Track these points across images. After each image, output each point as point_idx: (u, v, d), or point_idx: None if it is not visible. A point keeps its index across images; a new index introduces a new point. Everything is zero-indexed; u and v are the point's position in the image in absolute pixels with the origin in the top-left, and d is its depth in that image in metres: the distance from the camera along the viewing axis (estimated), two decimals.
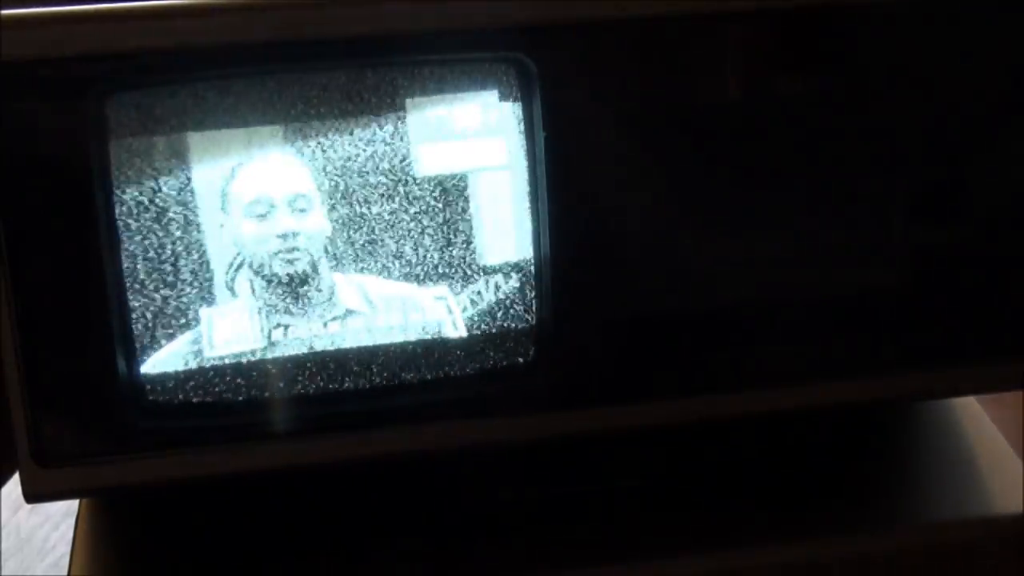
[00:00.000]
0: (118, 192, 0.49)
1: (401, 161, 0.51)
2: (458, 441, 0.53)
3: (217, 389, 0.52)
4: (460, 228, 0.52)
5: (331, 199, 0.51)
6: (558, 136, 0.51)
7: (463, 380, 0.53)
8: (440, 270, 0.52)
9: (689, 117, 0.52)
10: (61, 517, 0.89)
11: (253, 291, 0.51)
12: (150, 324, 0.51)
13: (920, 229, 0.55)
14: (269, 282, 0.51)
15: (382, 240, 0.52)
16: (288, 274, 0.51)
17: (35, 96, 0.48)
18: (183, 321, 0.51)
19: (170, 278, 0.50)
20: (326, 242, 0.51)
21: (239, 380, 0.52)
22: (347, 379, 0.52)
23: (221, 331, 0.51)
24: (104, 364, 0.50)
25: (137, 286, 0.50)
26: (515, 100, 0.51)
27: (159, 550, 0.56)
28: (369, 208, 0.51)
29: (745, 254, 0.54)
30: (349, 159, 0.51)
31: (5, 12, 0.48)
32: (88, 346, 0.50)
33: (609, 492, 0.58)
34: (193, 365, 0.51)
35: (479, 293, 0.53)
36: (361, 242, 0.51)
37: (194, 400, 0.52)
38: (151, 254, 0.50)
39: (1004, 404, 0.67)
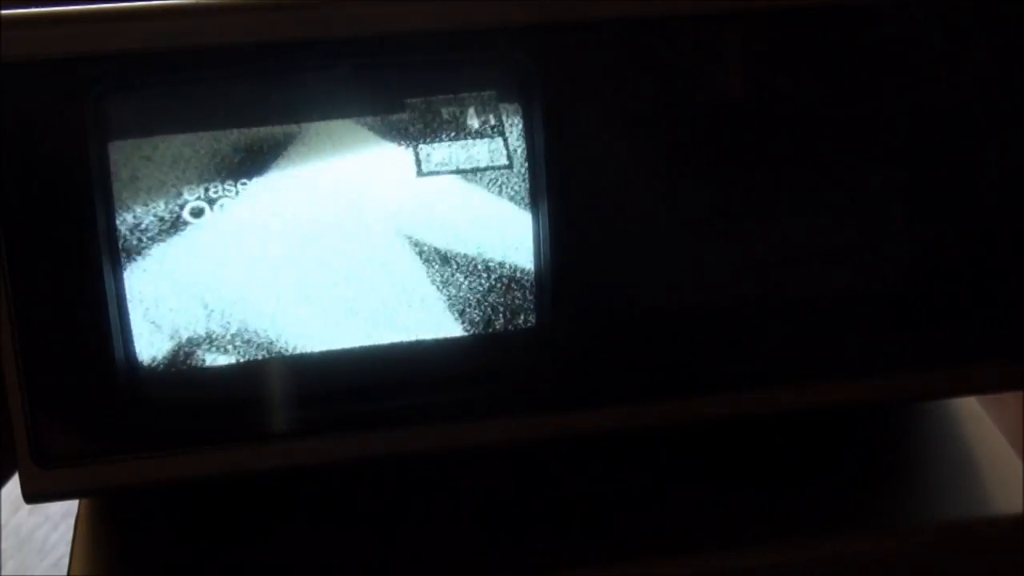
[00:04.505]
0: (118, 192, 0.49)
1: (401, 161, 0.51)
2: (458, 441, 0.54)
3: (217, 389, 0.52)
4: (460, 228, 0.52)
5: (332, 199, 0.51)
6: (558, 136, 0.51)
7: (463, 380, 0.53)
8: (440, 270, 0.52)
9: (689, 117, 0.52)
10: (61, 517, 0.89)
11: (255, 290, 0.51)
12: (150, 324, 0.51)
13: (920, 229, 0.55)
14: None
15: (382, 240, 0.52)
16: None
17: (35, 96, 0.48)
18: (183, 321, 0.51)
19: (170, 278, 0.50)
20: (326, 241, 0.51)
21: (239, 380, 0.52)
22: (348, 379, 0.52)
23: (221, 330, 0.51)
24: (104, 364, 0.50)
25: (137, 286, 0.50)
26: (515, 100, 0.51)
27: (159, 550, 0.56)
28: (368, 208, 0.51)
29: (745, 254, 0.54)
30: (348, 159, 0.51)
31: (5, 12, 0.48)
32: (87, 346, 0.50)
33: (609, 492, 0.58)
34: (193, 365, 0.51)
35: (479, 293, 0.53)
36: (361, 241, 0.51)
37: (194, 400, 0.52)
38: (151, 254, 0.50)
39: (1004, 404, 0.67)
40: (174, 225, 0.50)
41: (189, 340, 0.51)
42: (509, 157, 0.52)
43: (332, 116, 0.50)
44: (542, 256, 0.53)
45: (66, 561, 0.57)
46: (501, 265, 0.53)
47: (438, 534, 0.56)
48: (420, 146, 0.51)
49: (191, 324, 0.51)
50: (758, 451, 0.60)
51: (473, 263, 0.52)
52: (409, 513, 0.57)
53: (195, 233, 0.50)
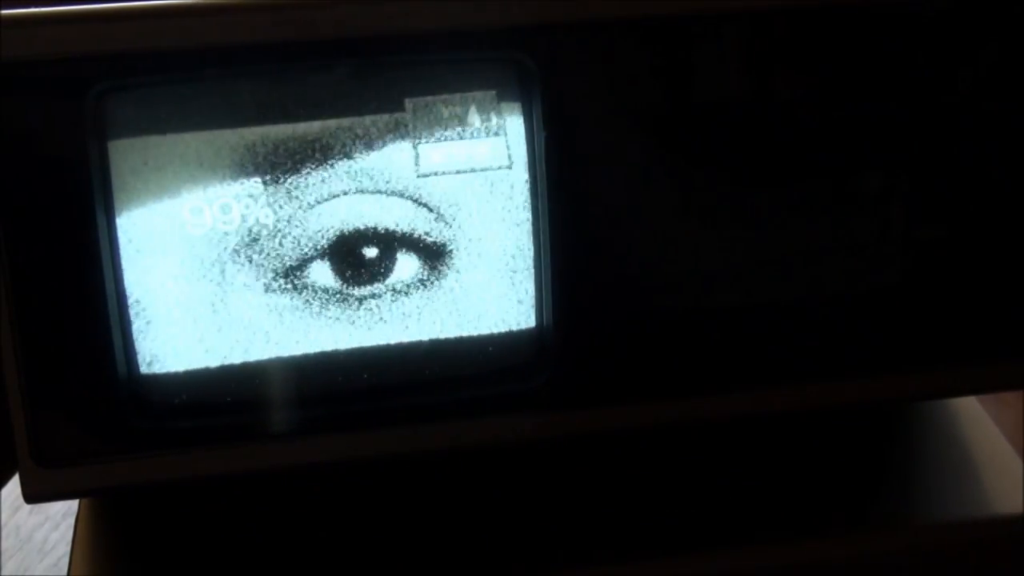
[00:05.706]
0: (118, 192, 0.49)
1: (401, 161, 0.51)
2: (459, 441, 0.54)
3: (217, 389, 0.52)
4: (460, 228, 0.52)
5: (332, 199, 0.51)
6: (558, 136, 0.51)
7: (464, 380, 0.53)
8: (440, 270, 0.52)
9: (689, 117, 0.52)
10: (61, 517, 0.89)
11: (255, 290, 0.51)
12: (150, 324, 0.51)
13: (920, 228, 0.55)
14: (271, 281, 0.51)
15: (382, 240, 0.52)
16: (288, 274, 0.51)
17: (35, 96, 0.48)
18: (183, 321, 0.51)
19: (170, 277, 0.50)
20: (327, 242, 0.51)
21: (239, 380, 0.52)
22: (348, 379, 0.52)
23: (221, 331, 0.51)
24: (104, 364, 0.50)
25: (136, 285, 0.50)
26: (515, 100, 0.51)
27: (159, 550, 0.56)
28: (369, 208, 0.51)
29: (745, 254, 0.54)
30: (349, 159, 0.51)
31: (5, 12, 0.48)
32: (88, 346, 0.50)
33: (610, 491, 0.58)
34: (193, 365, 0.51)
35: (479, 293, 0.53)
36: (361, 242, 0.51)
37: (194, 400, 0.52)
38: (150, 253, 0.50)
39: (1004, 404, 0.67)
40: (174, 225, 0.50)
41: (189, 340, 0.51)
42: (509, 157, 0.52)
43: (332, 116, 0.50)
44: (542, 256, 0.53)
45: (66, 561, 0.57)
46: (501, 265, 0.53)
47: (438, 534, 0.56)
48: (420, 146, 0.51)
49: (191, 324, 0.51)
50: (758, 451, 0.60)
51: (473, 263, 0.52)
52: (409, 513, 0.57)
53: (195, 232, 0.50)
